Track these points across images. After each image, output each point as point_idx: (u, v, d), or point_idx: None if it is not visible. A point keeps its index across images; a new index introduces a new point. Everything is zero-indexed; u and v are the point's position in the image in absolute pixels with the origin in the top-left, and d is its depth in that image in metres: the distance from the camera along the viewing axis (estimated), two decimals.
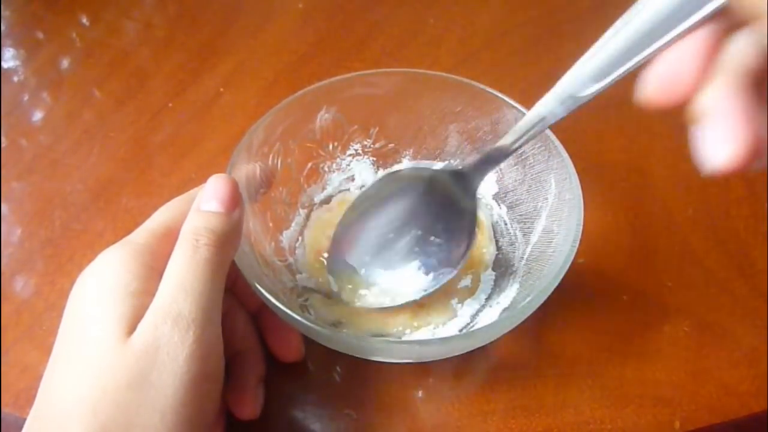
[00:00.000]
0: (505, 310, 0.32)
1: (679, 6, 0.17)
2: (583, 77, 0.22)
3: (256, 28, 0.56)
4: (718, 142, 0.17)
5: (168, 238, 0.26)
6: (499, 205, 0.38)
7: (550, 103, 0.24)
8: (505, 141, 0.29)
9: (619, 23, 0.19)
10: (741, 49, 0.17)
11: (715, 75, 0.17)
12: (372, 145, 0.40)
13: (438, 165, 0.34)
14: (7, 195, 0.43)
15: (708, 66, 0.17)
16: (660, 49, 0.18)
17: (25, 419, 0.24)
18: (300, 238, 0.37)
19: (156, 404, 0.22)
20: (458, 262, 0.32)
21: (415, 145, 0.40)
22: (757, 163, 0.17)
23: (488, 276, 0.36)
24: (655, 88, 0.18)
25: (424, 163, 0.33)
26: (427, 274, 0.33)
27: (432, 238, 0.33)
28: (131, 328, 0.23)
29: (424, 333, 0.33)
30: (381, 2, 0.58)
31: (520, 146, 0.28)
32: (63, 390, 0.23)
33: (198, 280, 0.24)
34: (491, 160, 0.30)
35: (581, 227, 0.29)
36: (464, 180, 0.32)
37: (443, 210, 0.33)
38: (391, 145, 0.40)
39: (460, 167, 0.32)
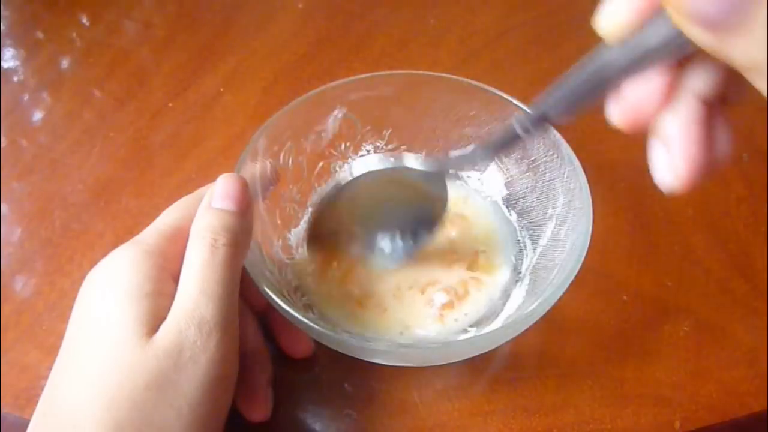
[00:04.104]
0: (509, 317, 0.32)
1: (643, 53, 0.18)
2: (555, 104, 0.22)
3: (256, 28, 0.56)
4: (672, 168, 0.19)
5: (178, 239, 0.27)
6: (509, 212, 0.38)
7: (522, 120, 0.24)
8: (474, 150, 0.28)
9: (585, 60, 0.20)
10: (698, 79, 0.18)
11: (674, 103, 0.19)
12: (385, 147, 0.40)
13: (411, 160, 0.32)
14: (7, 195, 0.43)
15: (668, 96, 0.19)
16: (624, 83, 0.19)
17: (25, 419, 0.24)
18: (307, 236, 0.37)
19: (174, 403, 0.23)
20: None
21: (428, 148, 0.40)
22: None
23: (501, 278, 0.35)
24: (620, 116, 0.20)
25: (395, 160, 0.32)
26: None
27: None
28: (151, 329, 0.23)
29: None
30: (381, 2, 0.58)
31: (482, 159, 0.28)
32: (76, 388, 0.23)
33: (218, 284, 0.25)
34: (462, 163, 0.30)
35: (590, 237, 0.29)
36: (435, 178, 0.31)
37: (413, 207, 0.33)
38: (404, 147, 0.40)
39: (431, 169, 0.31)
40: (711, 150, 0.19)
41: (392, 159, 0.31)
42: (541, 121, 0.23)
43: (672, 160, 0.19)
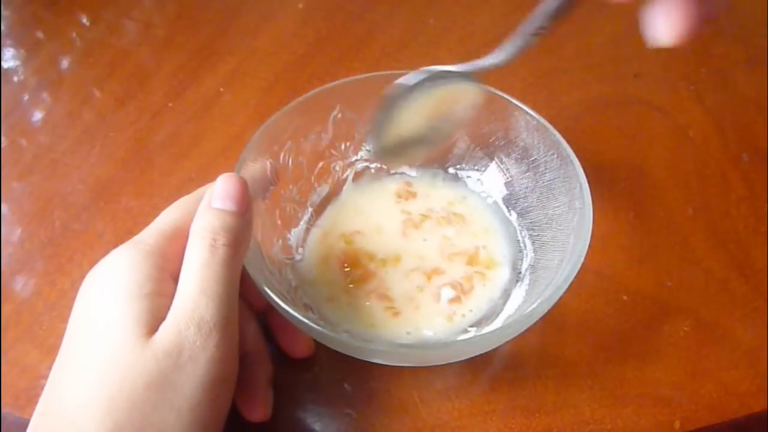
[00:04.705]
0: (509, 317, 0.32)
1: None
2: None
3: (256, 28, 0.56)
4: (662, 23, 0.21)
5: (177, 239, 0.26)
6: (509, 212, 0.38)
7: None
8: (496, 58, 0.30)
9: None
10: None
11: None
12: None
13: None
14: (7, 195, 0.43)
15: None
16: None
17: (25, 419, 0.24)
18: (307, 236, 0.38)
19: (173, 403, 0.23)
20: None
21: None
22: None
23: (501, 277, 0.36)
24: None
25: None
26: None
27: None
28: (150, 330, 0.23)
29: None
30: (381, 2, 0.58)
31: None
32: (75, 388, 0.23)
33: (218, 284, 0.25)
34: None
35: (590, 237, 0.29)
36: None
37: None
38: None
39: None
40: (705, 5, 0.21)
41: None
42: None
43: (668, 16, 0.21)
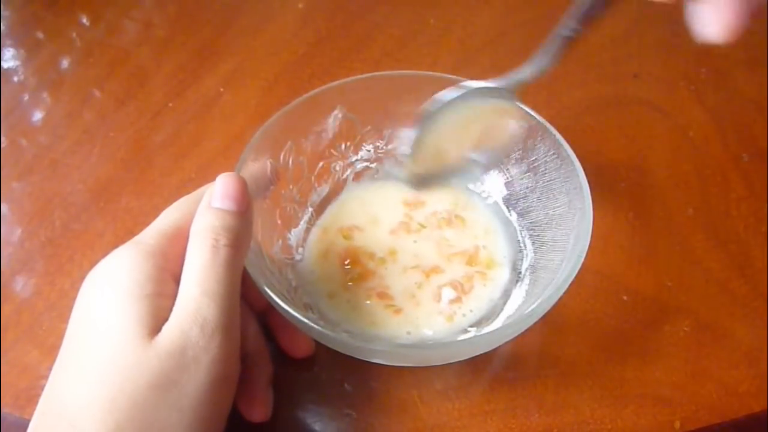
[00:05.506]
0: (509, 317, 0.32)
1: None
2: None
3: (256, 28, 0.56)
4: (712, 19, 0.21)
5: (178, 239, 0.26)
6: (509, 212, 0.38)
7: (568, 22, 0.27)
8: (540, 61, 0.30)
9: None
10: None
11: None
12: (385, 147, 0.40)
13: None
14: (7, 195, 0.43)
15: None
16: None
17: (25, 419, 0.24)
18: (307, 235, 0.38)
19: (176, 403, 0.23)
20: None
21: None
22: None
23: (501, 277, 0.36)
24: None
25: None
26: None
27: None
28: (152, 330, 0.23)
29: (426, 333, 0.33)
30: (381, 2, 0.58)
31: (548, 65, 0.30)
32: (76, 388, 0.23)
33: (220, 284, 0.25)
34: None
35: (590, 237, 0.29)
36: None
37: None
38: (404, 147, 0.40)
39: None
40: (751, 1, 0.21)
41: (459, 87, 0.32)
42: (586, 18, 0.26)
43: (717, 12, 0.21)
